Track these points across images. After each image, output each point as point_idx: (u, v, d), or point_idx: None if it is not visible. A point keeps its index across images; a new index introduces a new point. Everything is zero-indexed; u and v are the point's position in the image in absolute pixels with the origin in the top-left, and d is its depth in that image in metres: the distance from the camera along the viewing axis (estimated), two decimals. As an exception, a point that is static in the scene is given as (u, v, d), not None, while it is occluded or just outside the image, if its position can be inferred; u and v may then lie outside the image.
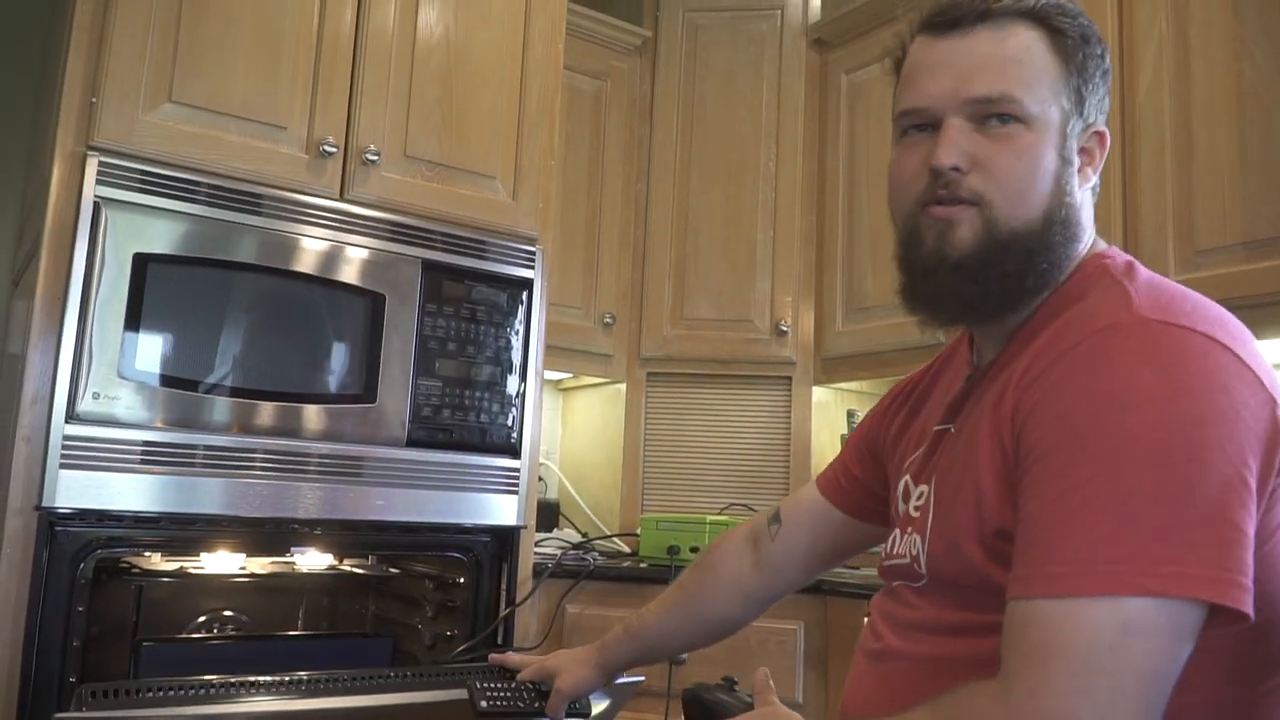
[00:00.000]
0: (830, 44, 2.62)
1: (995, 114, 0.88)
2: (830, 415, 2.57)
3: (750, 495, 2.50)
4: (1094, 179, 0.93)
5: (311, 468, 1.75)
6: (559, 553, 2.12)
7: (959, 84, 0.89)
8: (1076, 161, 0.90)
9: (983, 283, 0.88)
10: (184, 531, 1.66)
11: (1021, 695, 0.70)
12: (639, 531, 2.20)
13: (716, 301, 2.57)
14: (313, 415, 1.76)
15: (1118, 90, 1.90)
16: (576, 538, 2.40)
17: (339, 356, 1.81)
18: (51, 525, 1.55)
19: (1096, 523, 0.71)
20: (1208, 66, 1.77)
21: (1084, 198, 0.92)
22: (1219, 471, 0.71)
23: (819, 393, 2.53)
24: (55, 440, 1.55)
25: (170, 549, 1.75)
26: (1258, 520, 0.74)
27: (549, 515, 2.54)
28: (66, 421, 1.55)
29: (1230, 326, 0.78)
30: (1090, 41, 0.92)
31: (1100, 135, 0.92)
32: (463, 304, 1.92)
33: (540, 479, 2.56)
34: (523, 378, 1.98)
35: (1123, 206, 1.87)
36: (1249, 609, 0.70)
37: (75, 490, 1.55)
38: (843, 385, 2.58)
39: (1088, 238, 0.92)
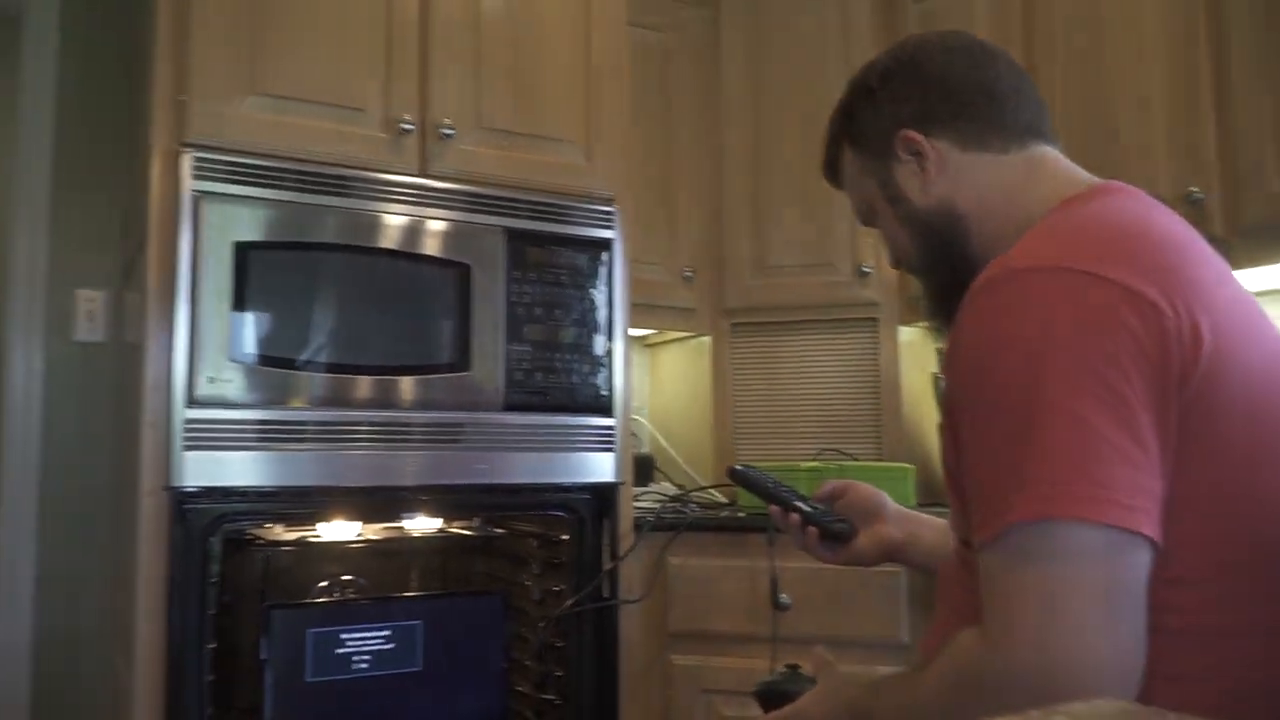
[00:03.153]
0: (897, -26, 2.56)
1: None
2: (919, 354, 2.55)
3: (842, 440, 2.50)
4: (934, 156, 1.00)
5: (414, 436, 1.82)
6: (657, 506, 2.17)
7: None
8: (907, 181, 1.03)
9: (929, 303, 1.09)
10: (300, 504, 1.75)
11: (998, 637, 0.75)
12: (734, 481, 2.23)
13: (796, 248, 2.56)
14: (411, 386, 1.83)
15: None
16: (673, 490, 2.44)
17: (431, 328, 1.87)
18: (180, 504, 1.65)
19: (1002, 469, 0.76)
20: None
21: (950, 179, 1.00)
22: (1096, 396, 0.74)
23: (905, 333, 2.52)
24: (177, 424, 1.64)
25: (289, 520, 1.84)
26: (1173, 450, 0.76)
27: (644, 469, 2.58)
28: (187, 406, 1.64)
29: (1112, 253, 0.80)
30: (859, 93, 1.06)
31: (903, 137, 1.02)
32: (546, 269, 1.96)
33: (634, 434, 2.61)
34: (609, 336, 2.02)
35: (1216, 119, 1.81)
36: (1143, 529, 0.73)
37: (199, 470, 1.65)
38: (930, 324, 2.56)
39: (1002, 190, 0.98)
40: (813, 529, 1.22)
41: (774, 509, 1.26)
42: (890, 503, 1.26)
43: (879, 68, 1.07)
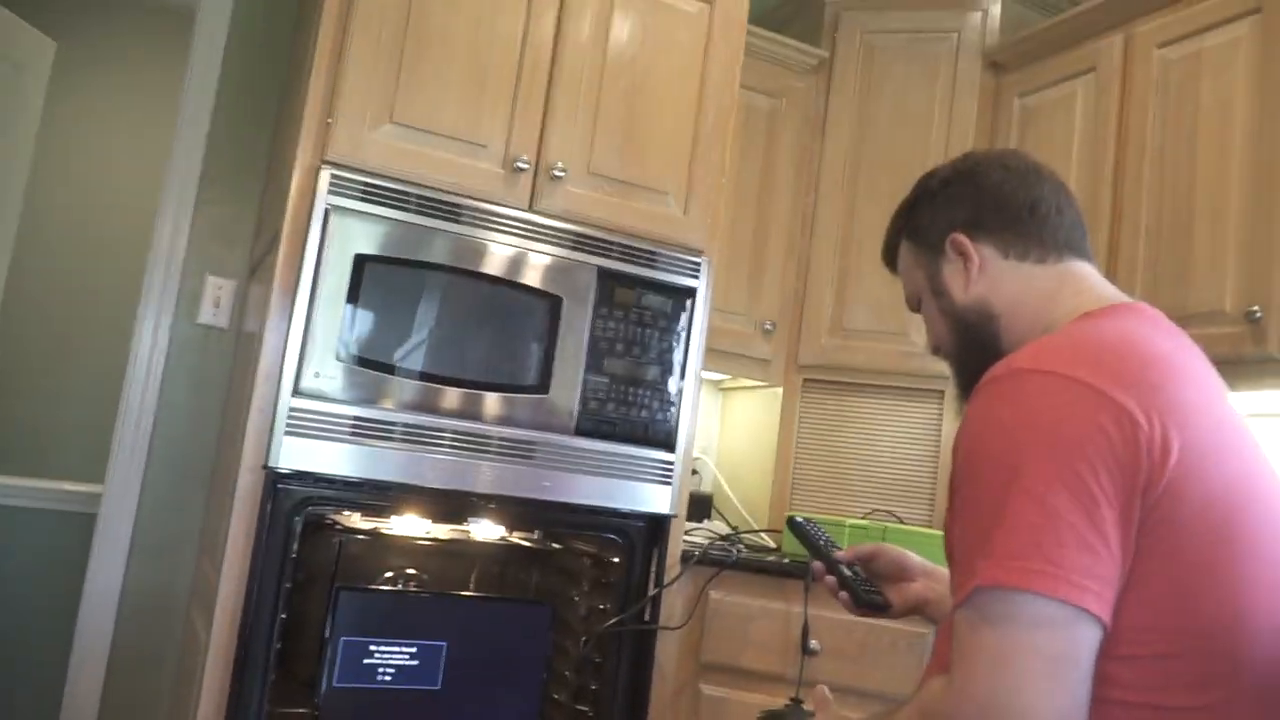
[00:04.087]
0: (1006, 67, 2.66)
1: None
2: (982, 432, 2.62)
3: (895, 503, 2.58)
4: (978, 260, 1.12)
5: (490, 448, 1.97)
6: (707, 542, 2.28)
7: None
8: (952, 278, 1.15)
9: (957, 389, 1.19)
10: (380, 496, 1.91)
11: (955, 687, 0.86)
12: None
13: (876, 314, 2.66)
14: (493, 402, 1.98)
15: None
16: (725, 529, 2.55)
17: (519, 351, 2.02)
18: (275, 483, 1.82)
19: (975, 538, 0.87)
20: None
21: (989, 281, 1.11)
22: (1066, 487, 0.84)
23: (971, 409, 2.58)
24: (282, 410, 1.82)
25: (368, 510, 2.01)
26: (1132, 547, 0.85)
27: (702, 506, 2.70)
28: (292, 395, 1.82)
29: (1104, 365, 0.90)
30: (922, 195, 1.18)
31: (953, 239, 1.14)
32: (632, 309, 2.10)
33: (696, 472, 2.73)
34: (682, 378, 2.15)
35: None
36: (1090, 607, 0.82)
37: (296, 454, 1.82)
38: (996, 403, 2.62)
39: (1033, 298, 1.09)
40: (845, 594, 1.32)
41: (817, 565, 1.37)
42: (915, 560, 1.37)
43: (942, 174, 1.19)
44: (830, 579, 1.35)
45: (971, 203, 1.14)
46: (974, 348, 1.12)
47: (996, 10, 2.70)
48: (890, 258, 1.28)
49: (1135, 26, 2.27)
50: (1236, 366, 1.87)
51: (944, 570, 1.37)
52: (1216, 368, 1.04)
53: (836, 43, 2.81)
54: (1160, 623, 0.86)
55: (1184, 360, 0.98)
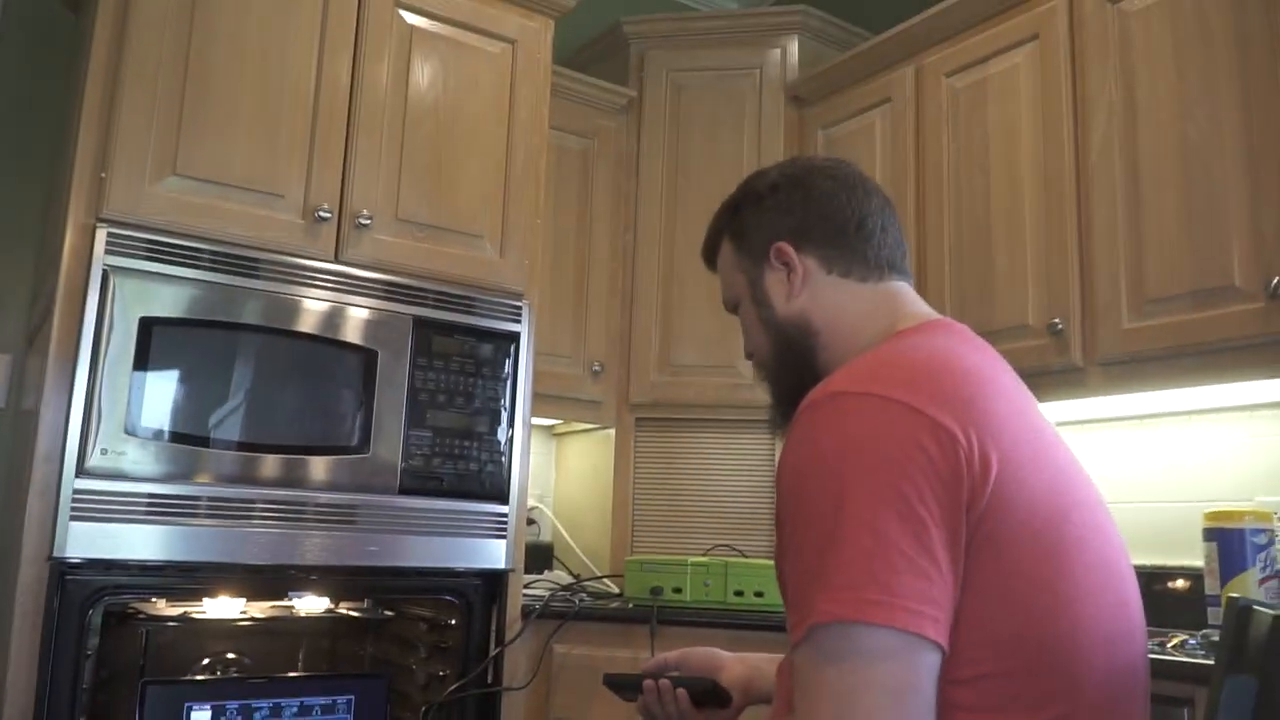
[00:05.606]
0: (808, 101, 2.73)
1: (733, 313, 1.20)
2: (813, 457, 2.65)
3: (735, 537, 2.57)
4: (802, 271, 1.10)
5: (309, 516, 1.84)
6: (548, 594, 2.21)
7: None
8: (774, 287, 1.11)
9: (773, 407, 1.15)
10: (187, 578, 1.75)
11: None
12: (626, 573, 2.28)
13: (702, 349, 2.66)
14: (309, 466, 1.86)
15: (1071, 151, 2.00)
16: (567, 579, 2.48)
17: (334, 410, 1.90)
18: (62, 575, 1.64)
19: (807, 571, 0.84)
20: (1154, 128, 1.87)
21: (811, 295, 1.09)
22: (894, 511, 0.82)
23: (801, 435, 2.61)
24: (66, 494, 1.64)
25: (174, 595, 1.84)
26: (961, 566, 0.84)
27: (542, 557, 2.62)
28: (77, 476, 1.65)
29: (919, 384, 0.89)
30: (748, 197, 1.14)
31: (778, 248, 1.11)
32: (452, 358, 2.02)
33: (533, 521, 2.65)
34: (510, 426, 2.08)
35: (1079, 260, 1.97)
36: (928, 633, 0.80)
37: (85, 541, 1.65)
38: (824, 428, 2.66)
39: (851, 317, 1.08)
40: (682, 690, 1.22)
41: (648, 683, 1.25)
42: (724, 652, 1.32)
43: (769, 178, 1.16)
44: (664, 682, 1.23)
45: (799, 211, 1.11)
46: (792, 363, 1.09)
47: (795, 48, 2.78)
48: (710, 256, 1.23)
49: (924, 57, 2.38)
50: (1044, 378, 1.95)
51: (752, 655, 1.32)
52: (1025, 380, 1.05)
53: (644, 82, 2.83)
54: (995, 641, 0.85)
55: (993, 373, 0.98)
